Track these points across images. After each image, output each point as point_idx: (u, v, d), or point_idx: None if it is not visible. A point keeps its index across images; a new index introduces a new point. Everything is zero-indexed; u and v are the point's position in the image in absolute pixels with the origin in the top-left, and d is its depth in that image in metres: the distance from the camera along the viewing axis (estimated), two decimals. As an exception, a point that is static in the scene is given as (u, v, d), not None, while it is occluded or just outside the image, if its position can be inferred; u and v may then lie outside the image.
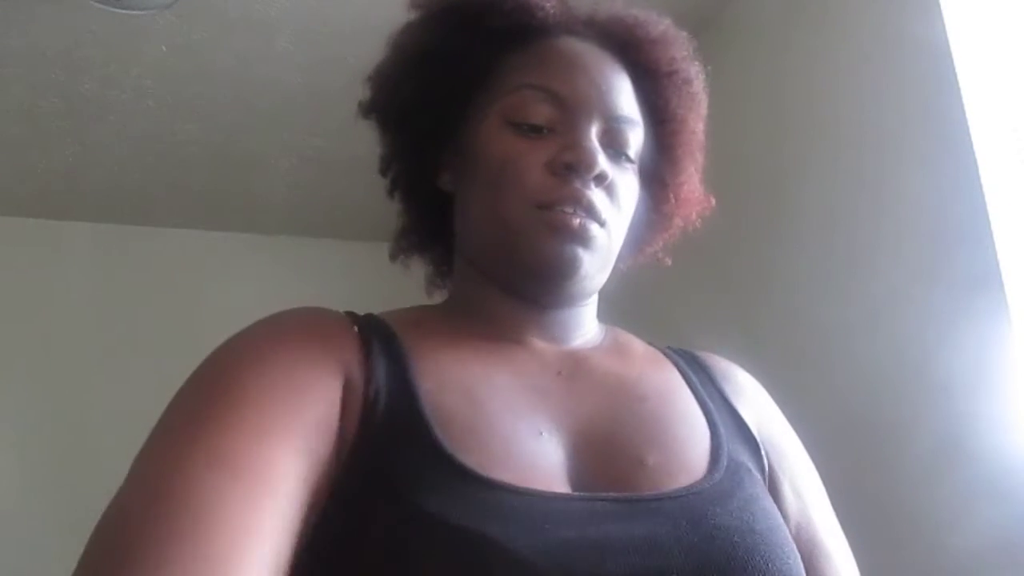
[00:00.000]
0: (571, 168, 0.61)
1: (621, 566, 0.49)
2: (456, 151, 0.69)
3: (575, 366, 0.66)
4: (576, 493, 0.55)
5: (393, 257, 0.76)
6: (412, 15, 0.71)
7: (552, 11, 0.67)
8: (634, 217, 0.69)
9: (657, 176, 0.72)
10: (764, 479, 0.64)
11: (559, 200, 0.61)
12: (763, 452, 0.66)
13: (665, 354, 0.73)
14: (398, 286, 0.86)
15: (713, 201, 0.76)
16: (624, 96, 0.66)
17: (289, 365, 0.54)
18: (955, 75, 1.41)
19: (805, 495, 0.67)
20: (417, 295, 0.82)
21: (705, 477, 0.58)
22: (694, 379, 0.69)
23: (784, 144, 1.86)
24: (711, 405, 0.66)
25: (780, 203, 1.84)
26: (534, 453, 0.56)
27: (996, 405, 1.29)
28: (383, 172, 0.74)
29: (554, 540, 0.49)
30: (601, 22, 0.70)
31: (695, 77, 0.73)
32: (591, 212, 0.62)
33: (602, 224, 0.63)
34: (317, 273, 3.08)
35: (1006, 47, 1.41)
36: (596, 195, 0.62)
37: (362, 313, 0.66)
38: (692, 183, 0.74)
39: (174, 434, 0.51)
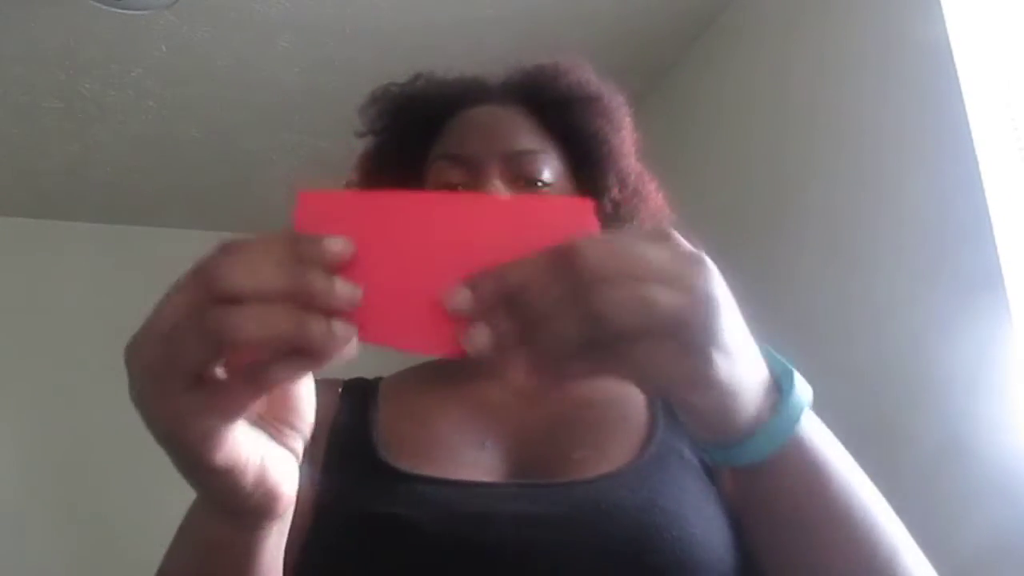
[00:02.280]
0: None
1: (502, 535, 0.57)
2: None
3: (537, 387, 0.72)
4: (494, 481, 0.64)
5: None
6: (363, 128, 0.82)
7: (462, 91, 0.79)
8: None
9: (596, 187, 0.78)
10: (707, 463, 0.67)
11: None
12: None
13: None
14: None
15: (668, 211, 0.82)
16: (521, 133, 0.74)
17: None
18: (956, 75, 1.41)
19: None
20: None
21: (623, 466, 0.63)
22: None
23: (785, 145, 1.86)
24: (662, 401, 0.70)
25: (782, 204, 1.84)
26: (473, 458, 0.66)
27: (996, 405, 1.29)
28: None
29: (455, 515, 0.59)
30: (512, 82, 0.80)
31: (603, 94, 0.79)
32: None
33: None
34: (317, 273, 3.08)
35: (1007, 47, 1.41)
36: None
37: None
38: (623, 190, 0.79)
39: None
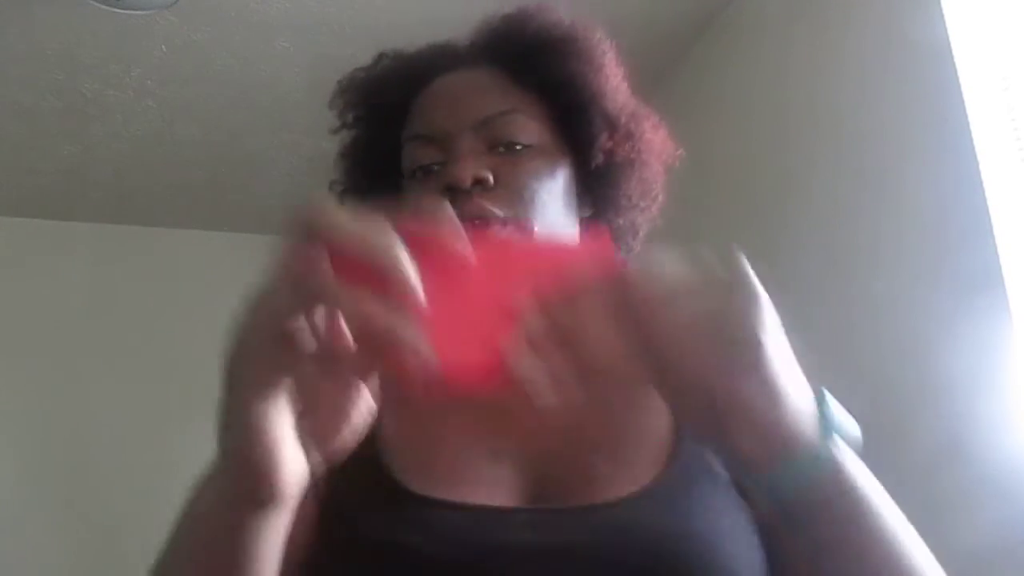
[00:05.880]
0: (448, 189, 0.64)
1: (517, 570, 0.53)
2: None
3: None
4: (510, 506, 0.59)
5: None
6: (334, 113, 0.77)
7: (428, 62, 0.72)
8: (599, 184, 0.72)
9: (583, 137, 0.72)
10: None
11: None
12: None
13: None
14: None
15: (671, 148, 0.76)
16: (490, 95, 0.69)
17: None
18: (956, 75, 1.41)
19: None
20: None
21: (650, 484, 0.59)
22: None
23: (785, 144, 1.86)
24: None
25: (782, 203, 1.84)
26: (482, 471, 0.61)
27: (996, 405, 1.29)
28: None
29: (466, 546, 0.55)
30: (479, 40, 0.74)
31: (576, 34, 0.72)
32: (487, 217, 0.64)
33: (505, 221, 0.64)
34: (317, 273, 3.08)
35: (1007, 47, 1.41)
36: (487, 198, 0.64)
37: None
38: (613, 135, 0.72)
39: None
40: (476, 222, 0.63)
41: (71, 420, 2.73)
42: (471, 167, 0.64)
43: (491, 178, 0.64)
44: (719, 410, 0.43)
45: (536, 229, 0.65)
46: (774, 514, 0.48)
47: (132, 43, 2.08)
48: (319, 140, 0.80)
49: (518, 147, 0.67)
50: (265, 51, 2.15)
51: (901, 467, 1.39)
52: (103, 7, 1.91)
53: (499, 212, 0.64)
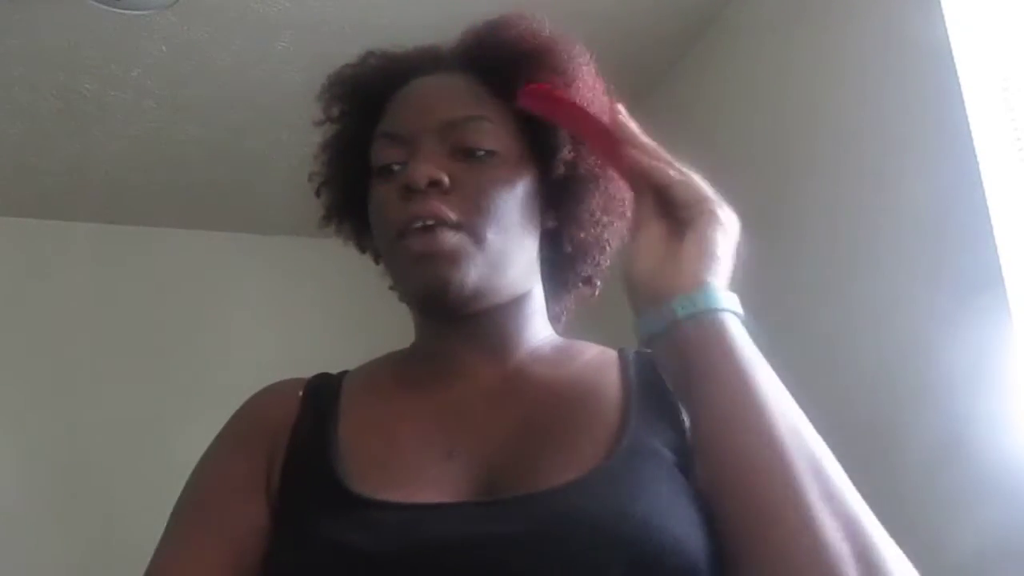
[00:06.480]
0: (407, 188, 0.66)
1: (460, 561, 0.55)
2: None
3: (505, 385, 0.70)
4: (454, 501, 0.60)
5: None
6: (317, 124, 0.79)
7: (412, 63, 0.74)
8: (562, 197, 0.73)
9: (546, 148, 0.73)
10: (683, 457, 0.63)
11: (408, 219, 0.66)
12: (686, 427, 0.65)
13: (620, 357, 0.73)
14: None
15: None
16: (458, 100, 0.70)
17: (225, 474, 0.69)
18: (956, 75, 1.41)
19: None
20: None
21: (592, 469, 0.60)
22: (632, 375, 0.69)
23: (785, 145, 1.86)
24: (637, 397, 0.67)
25: (781, 204, 1.84)
26: (434, 472, 0.63)
27: (996, 405, 1.29)
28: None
29: (409, 541, 0.56)
30: (461, 46, 0.75)
31: (551, 46, 0.73)
32: (441, 220, 0.65)
33: (458, 226, 0.65)
34: (317, 273, 3.08)
35: (1006, 47, 1.41)
36: (442, 201, 0.66)
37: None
38: (575, 147, 0.73)
39: (171, 521, 0.67)
40: (431, 222, 0.64)
41: (71, 419, 2.73)
42: (427, 169, 0.65)
43: (446, 180, 0.66)
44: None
45: (489, 237, 0.67)
46: (670, 361, 0.60)
47: (132, 43, 2.08)
48: (319, 140, 0.80)
49: (480, 153, 0.68)
50: (265, 51, 2.15)
51: (901, 467, 1.40)
52: (103, 7, 1.91)
53: (452, 215, 0.65)
